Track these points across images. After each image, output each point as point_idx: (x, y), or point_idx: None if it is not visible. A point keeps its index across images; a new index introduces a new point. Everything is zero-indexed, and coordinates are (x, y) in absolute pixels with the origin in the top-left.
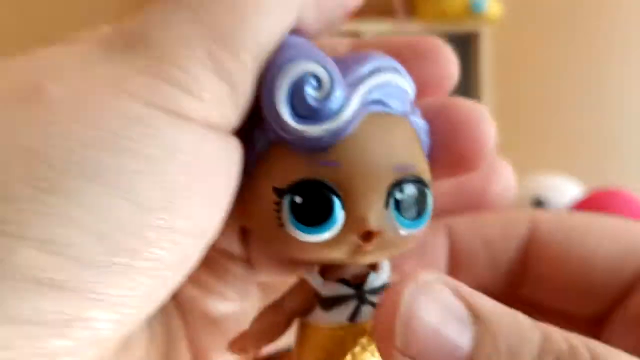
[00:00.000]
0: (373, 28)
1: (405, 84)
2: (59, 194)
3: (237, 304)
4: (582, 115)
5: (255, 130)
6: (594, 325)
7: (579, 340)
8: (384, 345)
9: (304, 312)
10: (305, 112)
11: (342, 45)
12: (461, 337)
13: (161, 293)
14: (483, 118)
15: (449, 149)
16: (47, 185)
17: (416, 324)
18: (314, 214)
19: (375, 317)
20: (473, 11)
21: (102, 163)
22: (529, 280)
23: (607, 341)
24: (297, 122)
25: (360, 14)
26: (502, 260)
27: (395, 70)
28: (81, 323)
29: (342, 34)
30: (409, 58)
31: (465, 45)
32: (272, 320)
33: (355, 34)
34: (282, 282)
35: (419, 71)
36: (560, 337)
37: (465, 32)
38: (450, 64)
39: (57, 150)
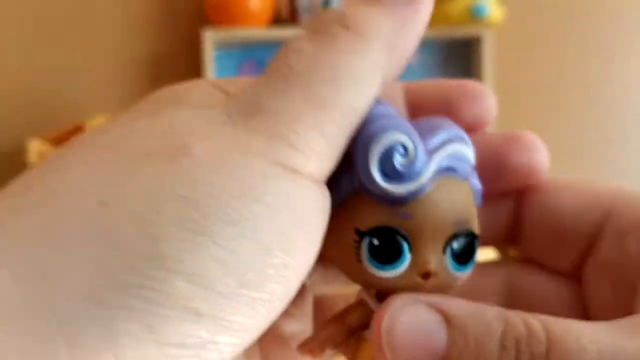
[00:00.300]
0: None
1: (469, 152)
2: (204, 235)
3: (303, 324)
4: (582, 119)
5: (341, 178)
6: (576, 277)
7: (536, 320)
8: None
9: (360, 327)
10: (392, 174)
11: (396, 89)
12: (437, 338)
13: (269, 320)
14: (539, 146)
15: (512, 172)
16: (196, 227)
17: (398, 336)
18: (388, 254)
19: (369, 340)
20: (475, 16)
21: (236, 209)
22: (523, 240)
23: (585, 291)
24: (385, 181)
25: None
26: (502, 223)
27: (462, 140)
28: (212, 346)
29: None
30: (459, 99)
31: (467, 50)
32: (334, 330)
33: None
34: (333, 303)
35: (468, 109)
36: (520, 320)
37: (466, 37)
38: (492, 103)
39: (203, 198)
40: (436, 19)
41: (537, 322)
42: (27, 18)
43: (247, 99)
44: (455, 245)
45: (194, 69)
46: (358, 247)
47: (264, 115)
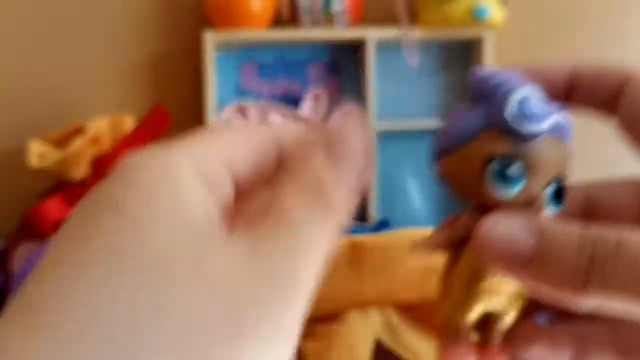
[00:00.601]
0: (377, 34)
1: (570, 125)
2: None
3: None
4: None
5: (474, 116)
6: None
7: (609, 228)
8: (482, 258)
9: (466, 236)
10: (524, 116)
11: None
12: (527, 244)
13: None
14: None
15: None
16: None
17: (495, 240)
18: (508, 177)
19: (472, 246)
20: (476, 17)
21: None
22: (618, 118)
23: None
24: (518, 121)
25: (365, 21)
26: (604, 99)
27: (567, 114)
28: None
29: (348, 40)
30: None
31: (468, 51)
32: (446, 234)
33: (360, 41)
34: None
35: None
36: (595, 228)
37: (467, 39)
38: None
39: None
40: (436, 20)
41: (610, 229)
42: (28, 19)
43: (260, 257)
44: (553, 186)
45: (194, 70)
46: (485, 168)
47: (271, 276)
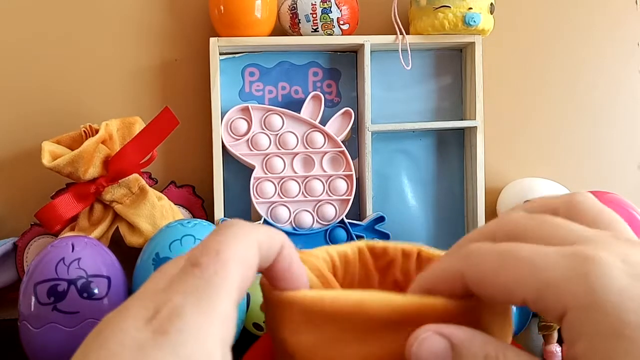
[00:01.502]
0: (375, 40)
1: None
2: None
3: None
4: (570, 123)
5: None
6: None
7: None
8: None
9: None
10: None
11: None
12: (446, 357)
13: None
14: None
15: None
16: None
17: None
18: None
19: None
20: (467, 25)
21: None
22: None
23: None
24: None
25: (361, 28)
26: None
27: None
28: None
29: (346, 46)
30: None
31: (459, 55)
32: None
33: (359, 46)
34: None
35: None
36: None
37: (459, 44)
38: None
39: None
40: (429, 27)
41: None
42: (45, 31)
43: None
44: None
45: (202, 75)
46: None
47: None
